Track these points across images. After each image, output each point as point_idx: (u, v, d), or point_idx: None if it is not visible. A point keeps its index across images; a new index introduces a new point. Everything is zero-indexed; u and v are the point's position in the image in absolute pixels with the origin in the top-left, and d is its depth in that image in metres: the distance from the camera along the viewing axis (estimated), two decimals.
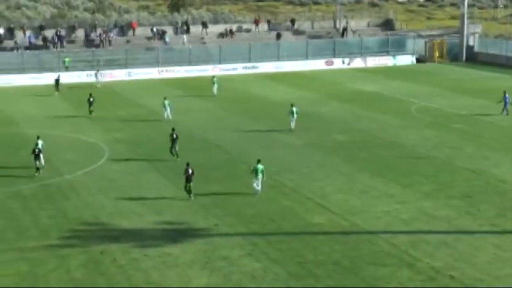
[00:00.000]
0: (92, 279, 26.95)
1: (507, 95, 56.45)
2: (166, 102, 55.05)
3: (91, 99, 56.73)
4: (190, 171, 35.90)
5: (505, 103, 56.12)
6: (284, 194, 36.94)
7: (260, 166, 36.15)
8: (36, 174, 40.16)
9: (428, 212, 34.12)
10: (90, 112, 56.36)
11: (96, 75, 72.18)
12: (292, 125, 50.46)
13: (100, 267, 27.93)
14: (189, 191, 35.95)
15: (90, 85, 71.02)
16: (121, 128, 52.76)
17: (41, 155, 40.38)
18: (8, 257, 28.90)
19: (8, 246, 30.00)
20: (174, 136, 43.60)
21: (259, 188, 36.34)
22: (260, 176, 36.17)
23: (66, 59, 77.01)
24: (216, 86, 66.15)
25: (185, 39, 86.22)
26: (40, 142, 41.41)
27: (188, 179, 35.88)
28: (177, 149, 43.61)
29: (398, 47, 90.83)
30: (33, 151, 40.35)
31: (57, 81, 67.68)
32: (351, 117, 56.37)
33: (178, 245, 30.10)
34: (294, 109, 50.61)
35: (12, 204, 35.50)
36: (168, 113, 54.73)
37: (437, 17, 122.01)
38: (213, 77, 68.81)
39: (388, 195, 36.73)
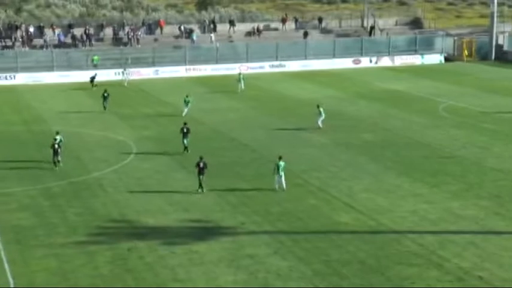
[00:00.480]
0: (119, 275, 27.16)
1: None
2: (189, 99, 55.73)
3: (105, 94, 58.01)
4: (202, 164, 36.49)
5: None
6: (311, 193, 36.93)
7: (282, 163, 36.48)
8: (56, 168, 40.98)
9: (455, 212, 33.92)
10: (104, 107, 57.45)
11: (123, 73, 72.71)
12: (320, 124, 50.44)
13: (127, 264, 28.14)
14: (200, 184, 36.65)
15: (118, 83, 71.59)
16: (149, 125, 53.06)
17: (59, 150, 41.48)
18: (38, 253, 29.23)
19: (38, 243, 30.33)
20: (185, 130, 44.49)
21: (280, 185, 36.65)
22: (282, 173, 36.46)
23: (95, 57, 77.59)
24: (242, 82, 66.71)
25: (212, 38, 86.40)
26: (59, 137, 42.52)
27: (200, 171, 36.54)
28: (186, 142, 44.47)
29: (427, 46, 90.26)
30: (52, 146, 41.42)
31: (92, 78, 68.74)
32: (378, 116, 56.17)
33: (205, 243, 30.23)
34: (321, 109, 50.75)
35: (41, 201, 35.88)
36: (186, 109, 55.23)
37: (467, 15, 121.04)
38: (239, 74, 69.29)
39: (415, 194, 36.57)
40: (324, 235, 31.22)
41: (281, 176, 36.56)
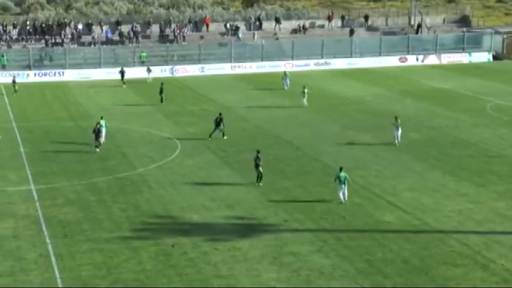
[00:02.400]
0: (163, 271, 27.39)
1: None
2: (306, 90, 58.25)
3: (162, 87, 59.93)
4: (257, 159, 37.66)
5: None
6: (355, 191, 36.73)
7: (343, 174, 34.57)
8: (97, 150, 43.28)
9: (502, 213, 33.47)
10: (161, 100, 59.35)
11: (147, 70, 72.79)
12: (398, 138, 46.05)
13: (170, 260, 28.36)
14: (259, 177, 37.65)
15: (164, 80, 72.09)
16: (193, 122, 53.37)
17: (102, 133, 44.79)
18: (84, 247, 29.64)
19: (84, 237, 30.75)
20: (218, 120, 47.11)
21: (344, 196, 34.79)
22: (345, 184, 34.63)
23: (143, 54, 78.30)
24: (287, 80, 67.01)
25: (255, 36, 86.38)
26: (103, 122, 45.59)
27: (256, 165, 37.64)
28: (222, 127, 47.30)
29: (475, 44, 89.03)
30: (94, 130, 43.74)
31: (122, 73, 69.44)
32: (424, 114, 55.66)
33: (248, 240, 30.32)
34: (399, 122, 46.23)
35: (88, 196, 36.36)
36: (305, 100, 57.55)
37: None
38: (285, 72, 69.50)
39: (461, 194, 36.17)
40: (367, 234, 31.08)
41: (344, 188, 34.63)
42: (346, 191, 34.71)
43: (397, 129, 45.72)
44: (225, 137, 47.51)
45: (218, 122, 47.38)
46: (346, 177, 34.58)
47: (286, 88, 66.53)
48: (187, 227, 32.00)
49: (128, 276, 27.02)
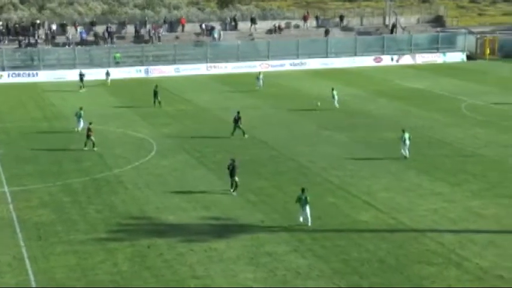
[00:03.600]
0: (138, 272, 27.28)
1: None
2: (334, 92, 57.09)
3: (156, 89, 59.31)
4: (231, 166, 36.24)
5: None
6: (330, 191, 36.86)
7: (306, 196, 31.73)
8: (85, 148, 44.83)
9: (476, 212, 33.72)
10: (159, 103, 58.86)
11: (106, 74, 71.90)
12: (406, 152, 42.92)
13: (146, 261, 28.25)
14: (234, 185, 36.42)
15: (139, 80, 72.02)
16: (169, 123, 53.22)
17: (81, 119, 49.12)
18: (58, 249, 29.42)
19: (58, 239, 30.52)
20: (237, 118, 47.70)
21: (308, 221, 31.86)
22: (307, 207, 31.76)
23: (117, 55, 78.02)
24: (261, 81, 67.00)
25: (221, 35, 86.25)
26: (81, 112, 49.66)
27: (231, 173, 36.30)
28: (237, 129, 47.75)
29: (449, 44, 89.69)
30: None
31: (81, 76, 68.11)
32: (399, 114, 55.94)
33: (224, 240, 30.28)
34: (407, 135, 42.90)
35: (62, 198, 36.10)
36: (335, 101, 57.06)
37: (489, 13, 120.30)
38: (259, 72, 69.47)
39: (435, 193, 36.38)
40: (343, 233, 31.16)
41: (306, 211, 31.80)
42: (308, 214, 31.74)
43: (405, 144, 42.40)
44: (245, 136, 47.84)
45: (236, 120, 47.78)
46: (308, 200, 31.64)
47: (258, 88, 66.46)
48: (163, 228, 31.89)
49: (103, 277, 26.87)
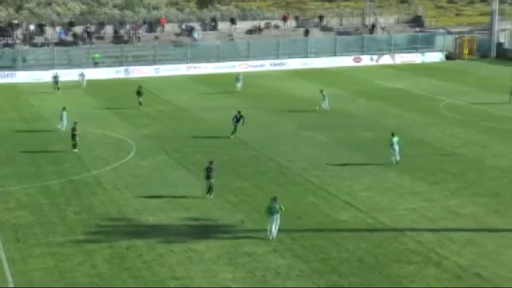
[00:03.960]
0: (117, 274, 27.14)
1: None
2: (64, 113, 50.82)
3: (139, 90, 58.97)
4: (209, 168, 35.52)
5: None
6: (310, 191, 36.90)
7: (277, 205, 30.34)
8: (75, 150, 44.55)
9: (454, 210, 33.89)
10: (140, 104, 58.37)
11: (81, 74, 70.64)
12: (396, 157, 41.48)
13: (125, 263, 28.12)
14: (208, 189, 35.64)
15: (119, 81, 71.75)
16: (148, 124, 53.06)
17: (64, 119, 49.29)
18: (37, 251, 29.20)
19: (36, 241, 30.30)
20: (238, 117, 47.78)
21: (273, 232, 30.41)
22: (276, 216, 30.31)
23: (96, 55, 77.68)
24: (240, 83, 66.41)
25: (199, 35, 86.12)
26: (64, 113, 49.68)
27: (208, 175, 35.61)
28: (236, 128, 47.77)
29: (427, 44, 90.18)
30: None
31: (55, 78, 67.10)
32: (378, 114, 56.14)
33: (204, 241, 30.22)
34: (395, 139, 41.48)
35: (40, 199, 35.86)
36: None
37: (467, 13, 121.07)
38: (239, 73, 68.98)
39: (414, 192, 36.53)
40: (322, 233, 31.19)
41: (275, 221, 30.35)
42: (276, 225, 30.31)
43: (393, 149, 41.01)
44: (231, 137, 47.81)
45: (238, 119, 47.80)
46: (280, 208, 30.25)
47: (237, 90, 66.08)
48: (143, 229, 31.76)
49: (81, 280, 26.71)
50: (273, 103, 60.76)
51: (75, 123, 45.38)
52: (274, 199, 30.52)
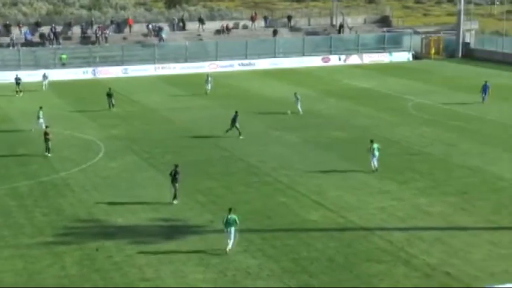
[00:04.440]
0: (87, 275, 26.95)
1: (488, 84, 58.79)
2: (41, 112, 50.36)
3: (110, 92, 57.68)
4: (174, 172, 34.73)
5: (484, 92, 58.85)
6: (280, 191, 36.95)
7: (233, 216, 28.87)
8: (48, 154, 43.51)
9: (423, 209, 34.15)
10: (111, 106, 57.32)
11: (43, 76, 68.58)
12: (375, 164, 40.23)
13: (95, 264, 27.93)
14: (174, 195, 34.84)
15: (86, 82, 71.26)
16: (117, 124, 52.74)
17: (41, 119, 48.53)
18: (4, 254, 28.89)
19: (3, 244, 29.98)
20: (234, 117, 47.76)
21: (230, 245, 28.92)
22: (232, 228, 28.81)
23: (63, 56, 77.05)
24: (209, 85, 65.22)
25: (166, 36, 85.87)
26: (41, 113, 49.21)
27: (174, 180, 34.78)
28: (237, 125, 47.65)
29: (395, 44, 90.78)
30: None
31: (17, 80, 65.26)
32: (347, 114, 56.40)
33: (174, 242, 30.12)
34: (375, 146, 40.09)
35: (8, 201, 35.49)
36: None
37: (434, 13, 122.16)
38: (207, 75, 67.94)
39: (384, 192, 36.74)
40: (292, 233, 31.25)
41: (231, 232, 28.85)
42: (232, 237, 28.92)
43: (374, 155, 39.67)
44: (241, 137, 47.57)
45: (234, 119, 47.75)
46: (235, 219, 28.80)
47: (207, 92, 65.19)
48: (112, 230, 31.56)
49: (50, 282, 26.47)
50: (242, 103, 60.65)
51: (47, 126, 44.84)
52: (230, 210, 28.96)
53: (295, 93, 56.91)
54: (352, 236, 30.87)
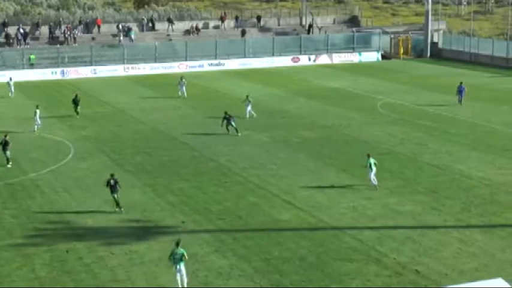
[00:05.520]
0: (57, 278, 26.73)
1: (463, 86, 58.62)
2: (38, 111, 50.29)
3: (76, 98, 55.28)
4: (113, 182, 33.92)
5: (460, 93, 58.74)
6: (251, 191, 36.96)
7: (181, 251, 25.73)
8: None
9: (393, 208, 34.36)
10: (77, 113, 54.72)
11: (8, 83, 64.66)
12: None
13: (65, 266, 27.71)
14: (116, 203, 33.98)
15: (55, 82, 70.70)
16: (87, 125, 52.39)
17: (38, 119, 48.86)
18: None
19: None
20: (228, 117, 48.54)
21: (184, 280, 25.79)
22: (181, 264, 25.65)
23: (32, 56, 76.33)
24: (184, 87, 63.13)
25: (135, 36, 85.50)
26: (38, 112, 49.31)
27: (112, 190, 33.84)
28: (234, 125, 48.44)
29: (364, 44, 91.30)
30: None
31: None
32: (317, 113, 56.57)
33: (145, 243, 30.00)
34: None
35: None
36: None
37: (402, 13, 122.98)
38: (181, 77, 65.52)
39: (354, 191, 36.89)
40: (264, 233, 31.28)
41: (179, 271, 25.72)
42: (184, 272, 25.68)
43: (371, 169, 36.91)
44: (239, 134, 48.38)
45: (228, 119, 48.47)
46: (183, 254, 25.63)
47: (180, 94, 63.37)
48: (82, 232, 31.35)
49: (20, 284, 26.22)
50: (212, 103, 60.67)
51: (6, 135, 42.00)
52: (178, 244, 25.86)
53: (247, 96, 54.92)
54: (324, 235, 30.98)
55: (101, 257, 28.52)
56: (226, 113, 48.99)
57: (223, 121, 48.73)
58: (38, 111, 49.75)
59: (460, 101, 58.76)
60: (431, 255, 28.75)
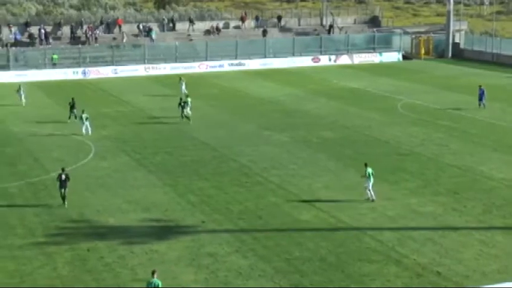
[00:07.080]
0: (79, 276, 26.91)
1: (483, 89, 57.69)
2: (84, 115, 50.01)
3: (72, 103, 53.85)
4: (63, 177, 34.21)
5: (481, 98, 57.59)
6: (271, 191, 36.98)
7: (157, 281, 23.66)
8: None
9: (414, 209, 34.26)
10: (75, 117, 52.76)
11: (18, 91, 61.13)
12: (371, 192, 35.28)
13: (87, 265, 27.89)
14: (63, 198, 34.29)
15: (76, 82, 71.13)
16: (107, 125, 52.64)
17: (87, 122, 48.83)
18: None
19: None
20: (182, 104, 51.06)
21: None
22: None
23: (54, 56, 76.79)
24: (183, 85, 63.52)
25: (156, 36, 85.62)
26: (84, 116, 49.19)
27: (62, 185, 34.18)
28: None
29: (385, 44, 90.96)
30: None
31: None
32: (337, 114, 56.47)
33: (165, 242, 30.11)
34: (370, 171, 35.20)
35: None
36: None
37: (424, 13, 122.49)
38: (180, 78, 66.39)
39: (375, 191, 36.73)
40: (284, 233, 31.29)
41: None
42: None
43: (369, 180, 35.12)
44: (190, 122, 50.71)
45: (183, 106, 50.19)
46: (159, 285, 23.64)
47: (183, 93, 63.56)
48: (103, 231, 31.53)
49: (42, 283, 26.42)
50: (232, 103, 60.77)
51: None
52: (153, 273, 23.93)
53: (186, 96, 55.07)
54: (344, 235, 30.95)
55: (122, 256, 28.68)
56: (181, 99, 52.45)
57: (179, 106, 51.86)
58: (85, 115, 49.25)
59: (483, 105, 57.42)
60: (452, 256, 28.64)
